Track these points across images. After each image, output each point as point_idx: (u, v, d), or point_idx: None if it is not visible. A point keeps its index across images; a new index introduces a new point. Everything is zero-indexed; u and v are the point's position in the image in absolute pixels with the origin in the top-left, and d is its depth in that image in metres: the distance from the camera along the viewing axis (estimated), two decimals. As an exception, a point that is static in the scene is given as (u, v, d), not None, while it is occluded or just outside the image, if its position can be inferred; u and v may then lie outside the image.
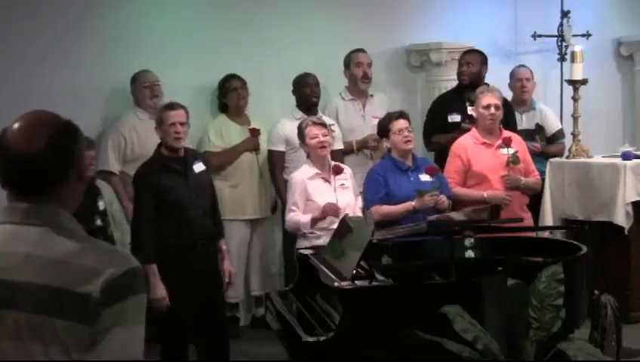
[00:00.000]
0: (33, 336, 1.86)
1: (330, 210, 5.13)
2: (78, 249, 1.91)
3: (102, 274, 1.85)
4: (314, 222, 5.18)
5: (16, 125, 1.96)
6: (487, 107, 5.64)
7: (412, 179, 5.41)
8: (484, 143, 5.69)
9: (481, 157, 5.66)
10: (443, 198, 5.31)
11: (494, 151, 5.67)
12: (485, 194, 5.56)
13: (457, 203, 5.50)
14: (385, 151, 6.19)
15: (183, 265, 4.79)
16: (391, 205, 5.32)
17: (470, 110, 6.42)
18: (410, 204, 5.26)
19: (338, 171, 5.33)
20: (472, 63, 6.56)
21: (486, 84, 6.39)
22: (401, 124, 5.39)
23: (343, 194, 5.30)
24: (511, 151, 5.64)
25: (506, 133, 5.79)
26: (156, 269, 4.72)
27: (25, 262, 1.89)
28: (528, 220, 5.76)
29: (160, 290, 4.72)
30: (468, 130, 6.03)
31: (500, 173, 5.63)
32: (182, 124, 4.87)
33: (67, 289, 1.84)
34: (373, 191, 5.40)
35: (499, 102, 5.72)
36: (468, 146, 5.69)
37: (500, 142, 5.68)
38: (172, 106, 4.93)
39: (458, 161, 5.67)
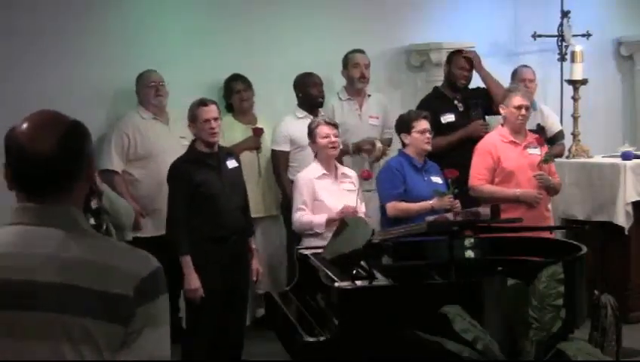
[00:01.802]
0: (64, 336, 1.86)
1: (349, 211, 5.14)
2: (101, 249, 1.92)
3: (133, 274, 1.88)
4: (329, 222, 5.18)
5: (25, 126, 1.94)
6: (519, 107, 5.71)
7: (426, 179, 5.47)
8: (511, 142, 5.74)
9: (510, 156, 5.70)
10: (458, 202, 5.35)
11: (522, 151, 5.72)
12: (518, 193, 5.59)
13: (487, 200, 5.51)
14: (378, 154, 6.22)
15: (213, 259, 4.87)
16: (407, 202, 5.36)
17: (459, 107, 6.46)
18: (429, 203, 5.29)
19: (367, 177, 5.49)
20: (469, 66, 6.60)
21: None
22: (425, 124, 5.48)
23: (351, 196, 5.33)
24: (540, 150, 5.72)
25: (534, 135, 5.89)
26: (190, 261, 4.84)
27: (48, 262, 1.88)
28: (549, 219, 5.85)
29: (194, 281, 4.85)
30: (485, 125, 6.17)
31: (527, 171, 5.68)
32: (215, 119, 5.00)
33: (98, 289, 1.85)
34: (391, 186, 5.42)
35: (529, 103, 5.85)
36: (497, 144, 5.73)
37: (529, 140, 5.75)
38: (204, 103, 5.02)
39: (489, 158, 5.70)
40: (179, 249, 4.87)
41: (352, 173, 5.51)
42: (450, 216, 5.10)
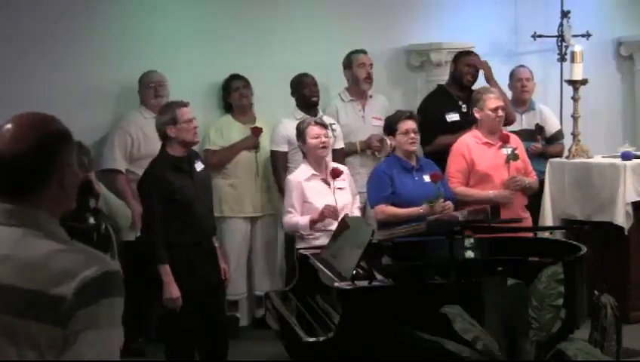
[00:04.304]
0: (7, 338, 1.85)
1: (329, 212, 5.14)
2: (55, 251, 1.90)
3: (76, 276, 1.84)
4: (312, 223, 5.19)
5: (6, 126, 1.97)
6: (495, 110, 5.69)
7: (416, 178, 5.42)
8: (486, 143, 5.72)
9: (484, 157, 5.68)
10: (449, 204, 5.31)
11: (496, 151, 5.71)
12: (491, 194, 5.58)
13: (461, 203, 5.50)
14: (389, 150, 6.16)
15: (191, 264, 4.80)
16: (396, 204, 5.33)
17: (463, 107, 6.47)
18: (418, 210, 5.25)
19: (336, 175, 5.32)
20: (477, 70, 6.60)
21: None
22: (408, 124, 5.41)
23: (341, 194, 5.33)
24: (509, 149, 5.67)
25: (503, 132, 5.84)
26: (169, 270, 4.71)
27: (1, 263, 1.89)
28: (528, 220, 5.79)
29: (175, 290, 4.71)
30: None
31: (502, 172, 5.65)
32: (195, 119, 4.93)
33: (40, 291, 1.84)
34: (379, 189, 5.40)
35: (503, 104, 5.81)
36: (471, 146, 5.71)
37: (501, 141, 5.71)
38: (184, 103, 4.91)
39: (462, 161, 5.68)
40: (157, 258, 4.72)
41: (343, 168, 5.53)
42: (459, 214, 5.09)
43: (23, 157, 1.93)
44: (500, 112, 5.71)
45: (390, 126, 5.51)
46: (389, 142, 6.11)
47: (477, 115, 5.77)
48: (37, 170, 1.95)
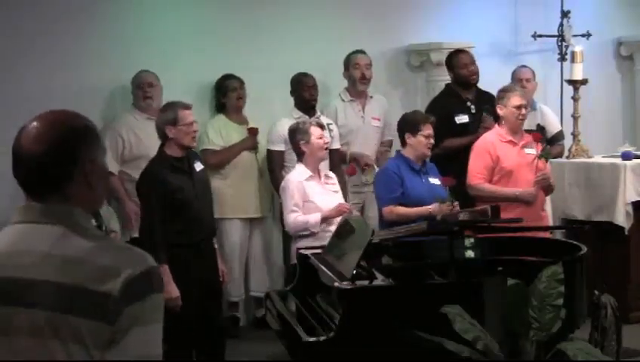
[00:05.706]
0: (53, 334, 1.86)
1: (345, 208, 5.23)
2: (95, 247, 1.92)
3: (121, 273, 1.86)
4: (324, 220, 5.22)
5: (29, 126, 1.97)
6: (519, 107, 5.71)
7: (424, 180, 5.44)
8: (509, 141, 5.74)
9: (509, 155, 5.70)
10: (457, 207, 5.30)
11: (519, 150, 5.73)
12: (517, 192, 5.60)
13: (486, 199, 5.49)
14: (369, 178, 6.18)
15: (188, 265, 4.79)
16: (404, 205, 5.33)
17: (472, 108, 6.46)
18: (427, 209, 5.25)
19: (352, 173, 5.53)
20: (471, 60, 6.59)
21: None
22: (430, 129, 5.43)
23: (337, 196, 5.42)
24: (535, 149, 5.72)
25: (531, 133, 5.91)
26: (168, 269, 4.68)
27: (42, 260, 1.89)
28: (547, 218, 5.90)
29: (174, 290, 4.68)
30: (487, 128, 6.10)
31: (525, 170, 5.67)
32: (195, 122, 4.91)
33: (87, 287, 1.85)
34: (389, 189, 5.39)
35: (526, 102, 5.84)
36: (495, 143, 5.73)
37: (526, 140, 5.74)
38: (187, 106, 4.89)
39: (487, 158, 5.69)
40: (157, 258, 4.69)
41: (333, 175, 5.60)
42: (463, 215, 5.10)
43: (45, 157, 1.93)
44: (523, 110, 5.73)
45: (413, 124, 5.45)
46: (375, 169, 6.17)
47: (500, 112, 5.78)
48: (60, 169, 1.95)
